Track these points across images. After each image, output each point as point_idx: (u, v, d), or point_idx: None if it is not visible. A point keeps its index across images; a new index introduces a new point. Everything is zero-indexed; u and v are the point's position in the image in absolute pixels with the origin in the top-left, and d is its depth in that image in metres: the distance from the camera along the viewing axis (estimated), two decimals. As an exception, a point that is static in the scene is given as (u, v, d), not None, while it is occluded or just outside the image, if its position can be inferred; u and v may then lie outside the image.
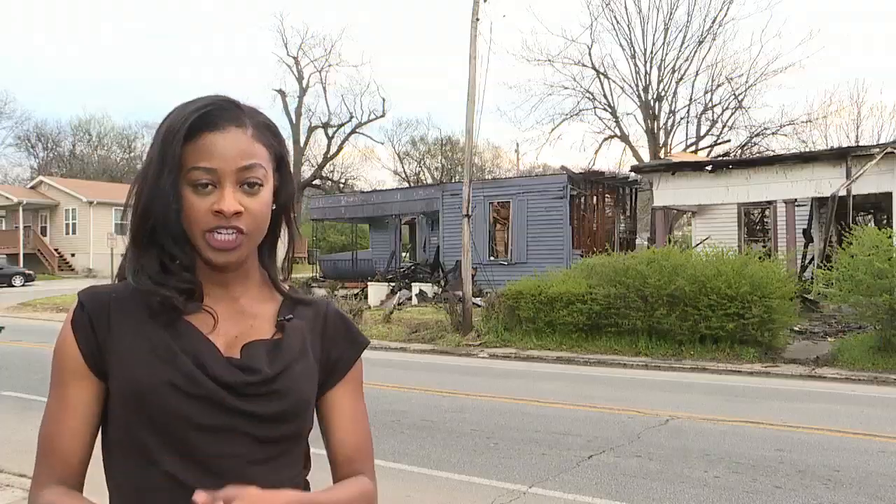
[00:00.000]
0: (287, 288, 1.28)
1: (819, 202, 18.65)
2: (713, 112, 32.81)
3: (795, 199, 17.42)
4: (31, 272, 32.95)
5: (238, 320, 1.19)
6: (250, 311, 1.21)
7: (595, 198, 24.21)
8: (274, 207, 1.20)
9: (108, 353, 1.12)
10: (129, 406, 1.10)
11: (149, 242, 1.14)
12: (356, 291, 22.34)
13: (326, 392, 1.25)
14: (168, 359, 1.10)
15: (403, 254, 30.98)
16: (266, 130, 1.18)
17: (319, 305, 1.29)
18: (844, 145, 23.96)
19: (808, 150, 25.54)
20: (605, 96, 33.53)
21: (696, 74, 32.09)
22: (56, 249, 38.24)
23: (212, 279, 1.18)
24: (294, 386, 1.17)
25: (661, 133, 33.12)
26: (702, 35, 31.41)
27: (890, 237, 11.75)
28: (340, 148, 48.88)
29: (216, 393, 1.10)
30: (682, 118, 33.48)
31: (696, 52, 31.79)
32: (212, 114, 1.12)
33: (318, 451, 1.26)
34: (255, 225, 1.14)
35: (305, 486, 1.22)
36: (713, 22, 31.08)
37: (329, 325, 1.27)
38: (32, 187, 41.87)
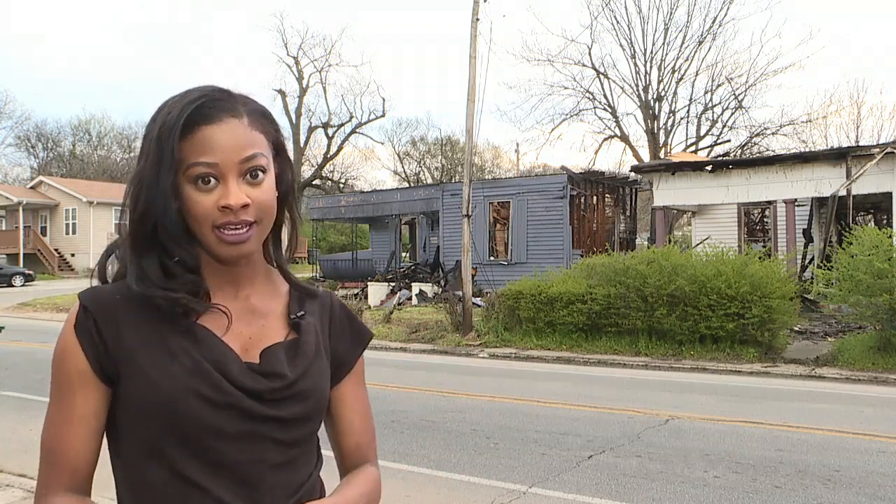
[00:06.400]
0: (294, 277, 1.27)
1: (819, 202, 18.66)
2: (713, 112, 32.92)
3: (795, 199, 17.41)
4: (31, 272, 32.95)
5: (249, 320, 1.17)
6: (261, 310, 1.19)
7: (595, 198, 24.20)
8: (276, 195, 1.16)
9: (119, 359, 1.08)
10: (147, 414, 1.06)
11: (148, 245, 1.10)
12: (356, 291, 22.34)
13: (334, 386, 1.25)
14: (191, 368, 1.07)
15: (403, 254, 31.00)
16: (262, 118, 1.15)
17: (325, 298, 1.28)
18: (844, 145, 23.96)
19: (808, 150, 25.55)
20: (605, 96, 33.63)
21: (696, 74, 32.22)
22: (56, 249, 38.22)
23: (219, 276, 1.16)
24: (314, 386, 1.17)
25: (661, 133, 33.17)
26: (702, 35, 31.50)
27: (890, 237, 11.73)
28: (340, 148, 48.89)
29: (242, 401, 1.08)
30: (682, 118, 33.59)
31: (696, 52, 31.91)
32: (206, 105, 1.09)
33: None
34: (264, 214, 1.12)
35: (320, 484, 1.22)
36: (713, 22, 31.20)
37: (335, 320, 1.27)
38: (32, 187, 41.84)
